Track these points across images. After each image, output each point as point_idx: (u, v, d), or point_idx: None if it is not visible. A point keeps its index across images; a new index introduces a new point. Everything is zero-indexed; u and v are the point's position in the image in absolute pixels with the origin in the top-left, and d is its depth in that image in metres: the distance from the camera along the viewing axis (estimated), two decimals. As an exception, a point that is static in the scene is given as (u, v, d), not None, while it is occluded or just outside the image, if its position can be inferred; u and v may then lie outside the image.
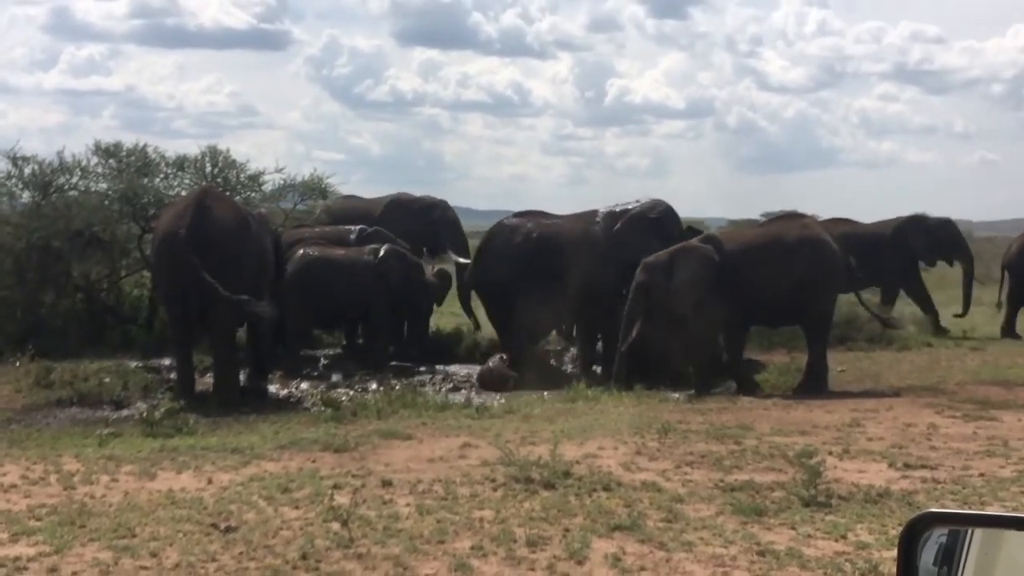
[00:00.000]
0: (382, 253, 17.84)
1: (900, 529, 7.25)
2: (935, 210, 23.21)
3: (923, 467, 9.25)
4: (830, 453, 9.67)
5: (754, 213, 44.22)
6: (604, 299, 16.12)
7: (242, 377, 15.12)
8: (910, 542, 2.55)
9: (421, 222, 21.61)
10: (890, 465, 9.36)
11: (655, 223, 16.65)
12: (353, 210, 22.60)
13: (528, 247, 17.15)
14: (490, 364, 16.38)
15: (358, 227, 20.01)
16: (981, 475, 8.95)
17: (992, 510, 7.44)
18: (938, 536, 2.61)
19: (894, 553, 6.66)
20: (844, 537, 7.12)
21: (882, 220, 23.42)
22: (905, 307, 24.63)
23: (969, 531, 2.61)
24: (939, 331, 20.90)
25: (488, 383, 15.92)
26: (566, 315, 17.19)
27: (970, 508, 7.55)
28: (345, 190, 25.02)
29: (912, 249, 22.13)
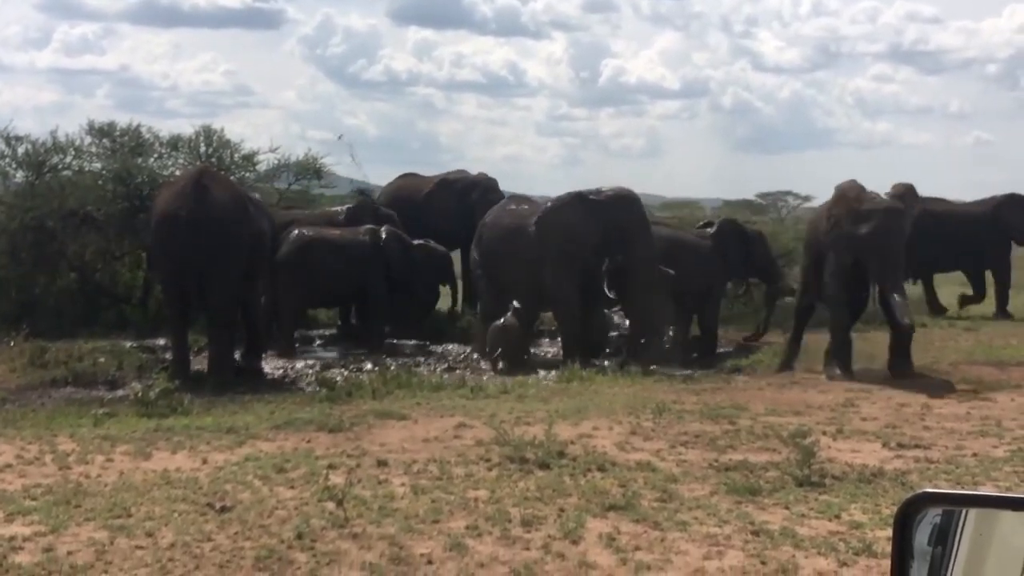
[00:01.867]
0: (380, 234, 17.81)
1: (894, 509, 7.25)
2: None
3: (916, 447, 9.28)
4: (824, 433, 9.69)
5: (749, 193, 44.29)
6: (545, 282, 16.01)
7: (237, 356, 15.10)
8: (904, 522, 2.55)
9: (462, 202, 20.98)
10: (884, 445, 9.39)
11: (594, 205, 16.07)
12: (405, 189, 22.29)
13: (483, 232, 17.35)
14: (502, 321, 15.85)
15: (346, 206, 19.98)
16: (974, 455, 8.98)
17: (986, 490, 7.46)
18: (932, 516, 2.61)
19: (887, 532, 6.69)
20: (838, 517, 7.15)
21: (978, 200, 22.93)
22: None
23: (963, 511, 2.61)
24: (1004, 315, 20.61)
25: (496, 342, 15.61)
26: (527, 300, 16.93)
27: (964, 488, 7.57)
28: (340, 171, 25.00)
29: (1009, 228, 21.44)
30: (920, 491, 2.68)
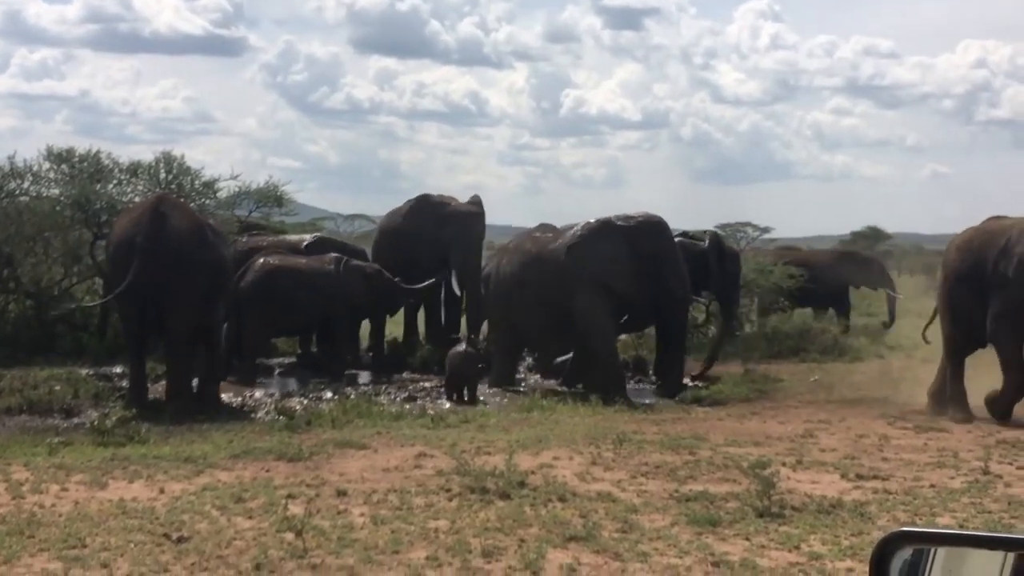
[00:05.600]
0: (343, 264, 17.76)
1: (853, 540, 7.29)
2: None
3: (875, 478, 9.33)
4: (783, 464, 9.73)
5: (709, 224, 44.61)
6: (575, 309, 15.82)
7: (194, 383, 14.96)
8: (881, 561, 2.56)
9: (439, 231, 20.11)
10: (842, 476, 9.44)
11: (626, 232, 15.90)
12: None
13: (502, 258, 17.41)
14: (459, 348, 15.74)
15: (311, 235, 19.97)
16: (932, 486, 9.05)
17: (962, 529, 7.50)
18: (904, 552, 2.62)
19: (847, 564, 6.73)
20: (797, 548, 7.17)
21: None
22: (857, 319, 24.89)
23: (933, 548, 2.63)
24: None
25: (457, 369, 15.39)
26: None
27: (940, 528, 7.54)
28: (301, 198, 25.00)
29: None
30: (897, 530, 2.69)
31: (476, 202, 20.71)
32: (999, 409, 13.10)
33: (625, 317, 16.09)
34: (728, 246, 19.78)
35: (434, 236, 19.77)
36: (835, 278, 24.10)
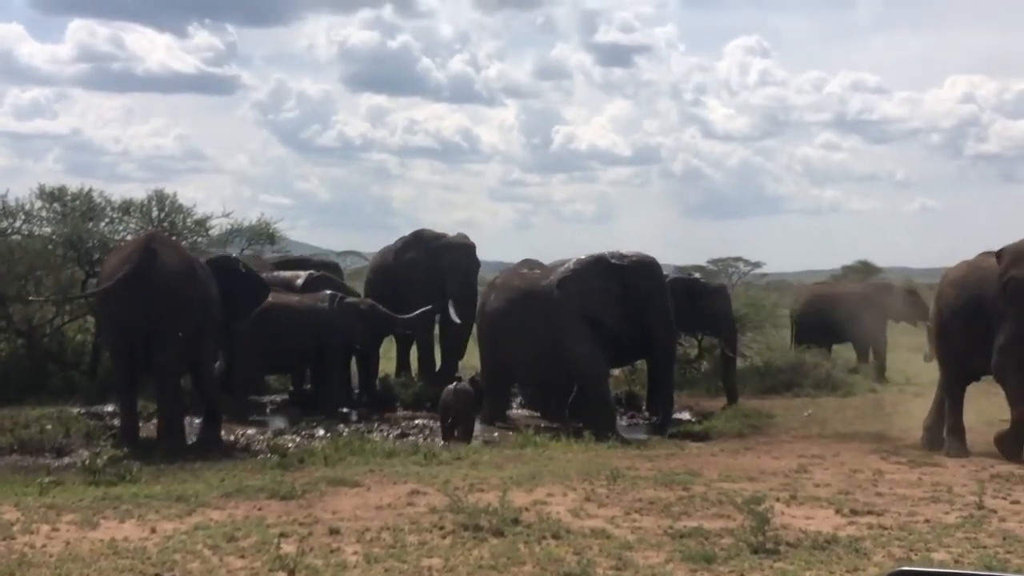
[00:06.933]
0: (337, 302, 17.77)
1: (847, 575, 7.21)
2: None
3: (869, 513, 9.31)
4: (778, 499, 9.70)
5: (701, 259, 44.71)
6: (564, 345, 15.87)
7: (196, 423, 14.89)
8: None
9: (435, 261, 20.25)
10: (837, 511, 9.41)
11: (617, 270, 15.96)
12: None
13: (490, 293, 17.47)
14: (453, 386, 15.36)
15: (306, 272, 19.96)
16: (927, 521, 9.03)
17: (957, 565, 7.47)
18: None
19: (842, 600, 6.69)
20: (793, 584, 7.13)
21: None
22: (846, 352, 24.90)
23: None
24: None
25: (449, 405, 15.06)
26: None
27: (940, 567, 7.49)
28: (293, 236, 25.01)
29: None
30: (897, 568, 2.69)
31: (464, 236, 20.91)
32: (1009, 447, 12.77)
33: (614, 351, 16.11)
34: (712, 283, 19.84)
35: (431, 267, 19.92)
36: (875, 313, 23.39)
